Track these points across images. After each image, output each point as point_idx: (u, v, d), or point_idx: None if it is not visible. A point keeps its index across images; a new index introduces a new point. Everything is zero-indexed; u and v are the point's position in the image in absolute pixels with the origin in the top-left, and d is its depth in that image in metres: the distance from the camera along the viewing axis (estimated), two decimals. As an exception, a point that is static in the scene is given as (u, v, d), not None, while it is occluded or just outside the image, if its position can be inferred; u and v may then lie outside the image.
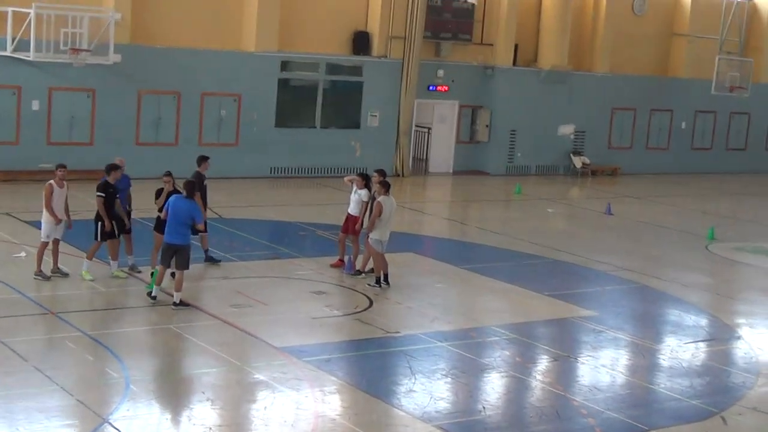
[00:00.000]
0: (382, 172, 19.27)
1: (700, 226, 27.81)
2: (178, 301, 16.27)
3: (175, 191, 17.87)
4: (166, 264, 16.58)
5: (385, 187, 18.62)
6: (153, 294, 16.51)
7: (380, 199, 18.46)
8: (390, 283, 18.49)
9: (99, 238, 17.52)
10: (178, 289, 16.31)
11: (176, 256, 16.46)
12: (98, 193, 17.41)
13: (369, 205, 19.02)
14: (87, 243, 17.79)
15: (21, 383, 12.67)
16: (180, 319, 15.85)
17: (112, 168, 17.65)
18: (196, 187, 17.55)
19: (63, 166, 17.58)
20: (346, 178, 20.31)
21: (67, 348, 14.19)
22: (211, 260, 19.27)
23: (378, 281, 18.46)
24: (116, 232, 17.69)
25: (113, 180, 17.57)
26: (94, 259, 17.69)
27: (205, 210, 18.99)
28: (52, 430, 11.52)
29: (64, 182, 17.50)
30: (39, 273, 17.40)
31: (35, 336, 14.77)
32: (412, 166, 34.37)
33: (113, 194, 17.57)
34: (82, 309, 16.14)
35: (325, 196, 28.81)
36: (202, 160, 19.43)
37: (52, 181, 17.38)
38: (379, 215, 18.27)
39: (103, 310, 16.30)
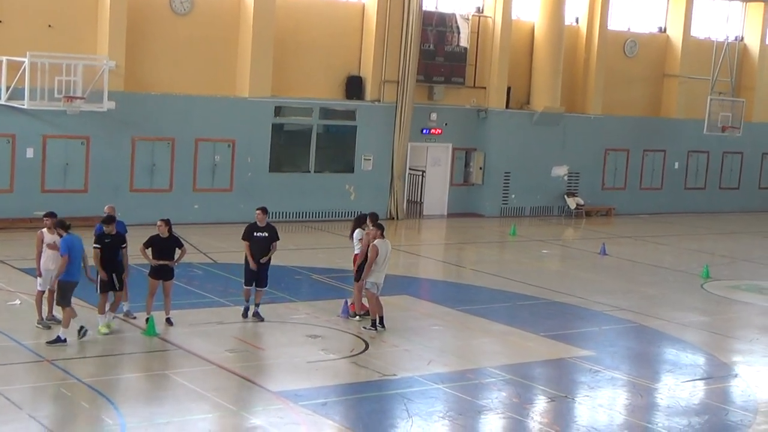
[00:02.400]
0: (375, 216, 19.34)
1: (695, 265, 27.85)
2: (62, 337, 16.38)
3: (171, 237, 17.86)
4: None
5: (380, 230, 18.67)
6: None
7: (375, 242, 18.49)
8: (385, 326, 18.46)
9: (99, 291, 17.18)
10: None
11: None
12: (94, 245, 17.19)
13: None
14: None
15: None
16: (175, 365, 15.80)
17: (105, 221, 17.38)
18: (244, 235, 18.68)
19: (50, 215, 17.53)
20: (365, 238, 19.19)
21: (62, 395, 14.11)
22: (256, 315, 18.79)
23: (374, 324, 18.44)
24: (116, 284, 17.26)
25: (108, 231, 17.24)
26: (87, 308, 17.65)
27: (253, 260, 18.55)
28: (47, 478, 11.45)
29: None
30: (40, 321, 17.32)
31: (30, 384, 14.69)
32: (407, 209, 34.39)
33: (110, 245, 17.19)
34: (77, 356, 16.06)
35: (319, 240, 28.82)
36: (257, 210, 19.00)
37: (44, 230, 17.34)
38: (375, 258, 18.30)
39: (98, 356, 16.22)
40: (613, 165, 38.59)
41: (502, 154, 35.56)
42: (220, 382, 15.13)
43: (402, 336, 18.25)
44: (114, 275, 17.20)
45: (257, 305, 18.83)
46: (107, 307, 17.19)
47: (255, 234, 18.82)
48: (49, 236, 17.24)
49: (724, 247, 32.49)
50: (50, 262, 17.04)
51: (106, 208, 18.25)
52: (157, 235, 17.76)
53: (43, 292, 17.36)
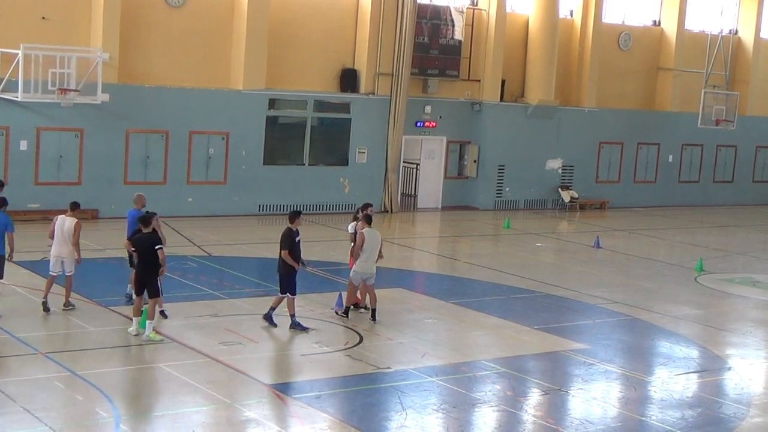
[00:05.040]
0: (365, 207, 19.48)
1: (689, 258, 27.89)
2: None
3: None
4: None
5: (367, 219, 18.76)
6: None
7: (363, 230, 18.58)
8: (376, 319, 18.52)
9: (162, 294, 17.06)
10: None
11: None
12: (158, 246, 16.65)
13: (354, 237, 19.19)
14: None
15: (10, 424, 12.57)
16: (169, 358, 15.79)
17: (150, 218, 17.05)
18: (287, 243, 17.58)
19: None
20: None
21: (57, 388, 14.09)
22: (298, 326, 17.75)
23: (346, 311, 18.69)
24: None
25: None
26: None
27: (298, 265, 17.82)
28: (40, 470, 11.44)
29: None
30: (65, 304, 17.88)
31: (24, 376, 14.64)
32: (401, 202, 34.42)
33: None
34: (71, 349, 16.05)
35: (313, 233, 28.75)
36: (295, 216, 18.07)
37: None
38: (362, 246, 18.39)
39: (92, 349, 16.20)
40: (607, 158, 38.61)
41: (497, 147, 35.56)
42: (214, 374, 15.12)
43: (396, 329, 18.26)
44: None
45: (293, 315, 17.84)
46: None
47: (296, 240, 17.88)
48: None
49: (718, 241, 32.53)
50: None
51: (135, 195, 18.56)
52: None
53: (55, 277, 17.96)
